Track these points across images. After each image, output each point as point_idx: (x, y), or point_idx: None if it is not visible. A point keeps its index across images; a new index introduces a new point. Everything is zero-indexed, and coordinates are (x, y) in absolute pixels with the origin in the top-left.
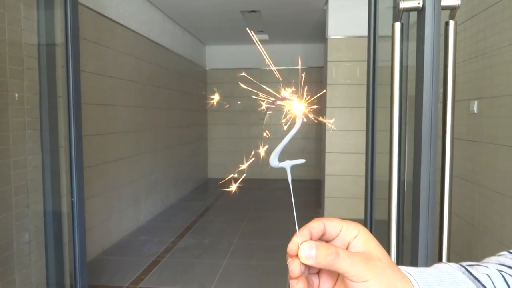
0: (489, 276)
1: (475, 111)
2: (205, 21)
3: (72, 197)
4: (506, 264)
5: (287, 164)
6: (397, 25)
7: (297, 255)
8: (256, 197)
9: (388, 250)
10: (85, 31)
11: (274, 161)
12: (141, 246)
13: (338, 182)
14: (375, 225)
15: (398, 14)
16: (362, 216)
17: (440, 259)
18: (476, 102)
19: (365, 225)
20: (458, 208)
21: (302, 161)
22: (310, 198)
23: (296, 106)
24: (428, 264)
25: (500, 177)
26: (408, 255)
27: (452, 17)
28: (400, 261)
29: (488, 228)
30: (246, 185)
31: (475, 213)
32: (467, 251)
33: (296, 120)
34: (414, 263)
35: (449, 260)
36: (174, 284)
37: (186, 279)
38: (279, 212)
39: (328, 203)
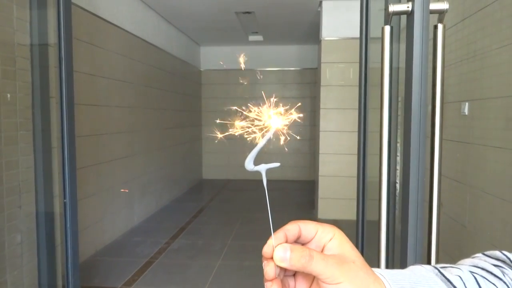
0: (461, 277)
1: (466, 113)
2: (200, 22)
3: (64, 198)
4: (480, 266)
5: (262, 168)
6: (387, 28)
7: (272, 258)
8: (250, 198)
9: (378, 250)
10: (78, 31)
11: (249, 165)
12: (134, 247)
13: (332, 183)
14: (368, 226)
15: (388, 17)
16: (355, 217)
17: (429, 259)
18: (467, 104)
19: (357, 226)
20: (449, 208)
21: (277, 164)
22: (304, 199)
23: (271, 119)
24: (416, 264)
25: (490, 178)
26: (399, 256)
27: (440, 20)
28: (390, 261)
29: (479, 228)
30: (240, 186)
31: (466, 214)
32: (458, 251)
33: (270, 128)
34: (403, 263)
35: (438, 260)
36: (167, 285)
37: (179, 280)
38: (273, 213)
39: (321, 204)
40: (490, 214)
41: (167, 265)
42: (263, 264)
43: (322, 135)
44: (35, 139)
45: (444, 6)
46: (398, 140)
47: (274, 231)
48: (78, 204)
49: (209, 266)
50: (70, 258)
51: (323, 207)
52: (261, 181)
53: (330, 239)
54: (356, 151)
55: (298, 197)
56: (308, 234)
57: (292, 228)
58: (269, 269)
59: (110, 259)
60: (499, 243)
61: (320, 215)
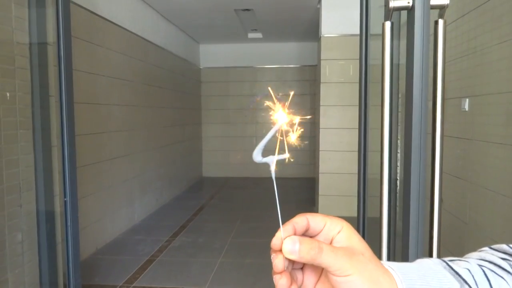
0: (469, 270)
1: (467, 109)
2: (199, 19)
3: (65, 196)
4: (487, 259)
5: (271, 159)
6: (387, 24)
7: (280, 250)
8: (251, 195)
9: (379, 247)
10: (77, 29)
11: (257, 157)
12: (135, 245)
13: (332, 180)
14: (369, 223)
15: (389, 13)
16: (356, 214)
17: (430, 256)
18: (467, 100)
19: (358, 222)
20: (450, 205)
21: (286, 155)
22: (304, 196)
23: (278, 113)
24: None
25: (491, 174)
26: (400, 253)
27: (441, 16)
28: (391, 258)
29: (480, 225)
30: (241, 183)
31: (467, 210)
32: (459, 248)
33: (276, 122)
34: (405, 259)
35: (439, 257)
36: (168, 283)
37: (180, 278)
38: (274, 211)
39: (322, 201)
40: (491, 210)
41: (168, 263)
42: (271, 256)
43: (322, 132)
44: (35, 137)
45: (445, 1)
46: (399, 137)
47: (279, 225)
48: (79, 203)
49: (210, 264)
50: (71, 257)
51: (324, 204)
52: (261, 178)
53: (339, 232)
54: (356, 148)
55: (298, 194)
56: (317, 226)
57: (301, 220)
58: (278, 262)
59: (111, 257)
60: (500, 239)
61: (321, 212)
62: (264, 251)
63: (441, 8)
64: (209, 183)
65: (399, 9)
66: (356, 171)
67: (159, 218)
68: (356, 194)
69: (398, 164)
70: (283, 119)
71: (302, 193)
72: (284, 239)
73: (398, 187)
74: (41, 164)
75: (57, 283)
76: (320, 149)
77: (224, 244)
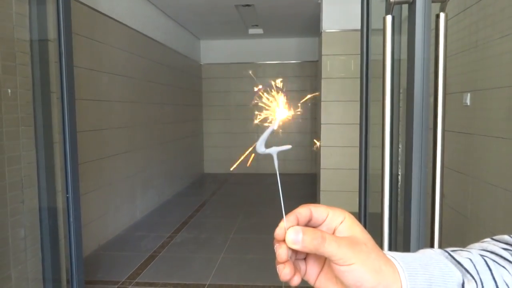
0: (471, 260)
1: (468, 104)
2: (199, 15)
3: (67, 193)
4: (489, 249)
5: (274, 150)
6: (388, 18)
7: (284, 240)
8: (252, 191)
9: (381, 242)
10: (78, 26)
11: (260, 148)
12: (137, 241)
13: (334, 176)
14: (371, 218)
15: (390, 6)
16: (357, 209)
17: None
18: (469, 94)
19: (359, 218)
20: (451, 199)
21: (288, 147)
22: (306, 192)
23: (276, 109)
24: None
25: (493, 168)
26: (401, 247)
27: (442, 9)
28: None
29: (481, 219)
30: (242, 179)
31: (468, 205)
32: (460, 242)
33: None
34: None
35: None
36: (170, 278)
37: (182, 273)
38: (275, 206)
39: (323, 197)
40: (493, 204)
41: (170, 259)
42: (275, 247)
43: (323, 128)
44: (36, 134)
45: None
46: (400, 132)
47: (282, 218)
48: (81, 199)
49: (212, 260)
50: (74, 253)
51: (325, 200)
52: (262, 175)
53: (341, 222)
54: (357, 144)
55: (300, 190)
56: (319, 217)
57: (304, 211)
58: (281, 251)
59: (113, 254)
60: (501, 233)
61: None
62: (266, 247)
63: (443, 2)
64: (211, 179)
65: (400, 2)
66: (358, 167)
67: (161, 214)
68: (358, 190)
69: (399, 159)
70: (283, 113)
71: (303, 189)
72: (287, 229)
73: (399, 182)
74: (43, 160)
75: (60, 279)
76: (322, 144)
77: (226, 240)
